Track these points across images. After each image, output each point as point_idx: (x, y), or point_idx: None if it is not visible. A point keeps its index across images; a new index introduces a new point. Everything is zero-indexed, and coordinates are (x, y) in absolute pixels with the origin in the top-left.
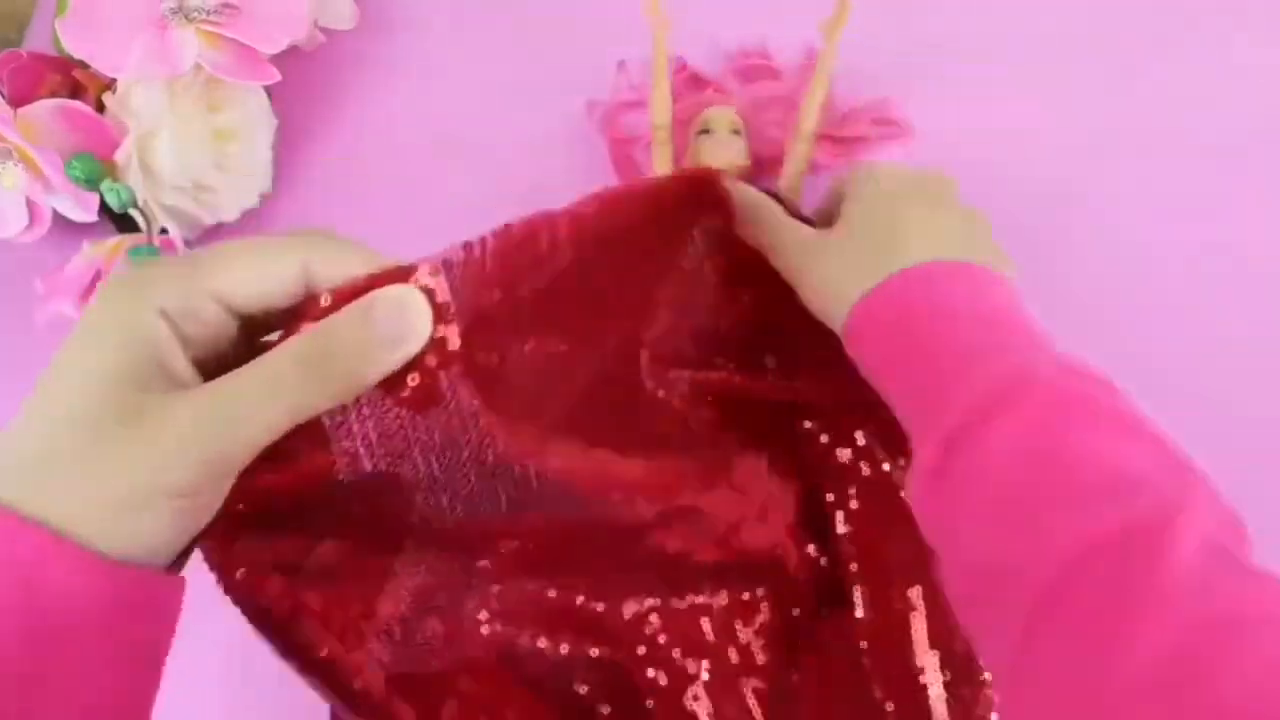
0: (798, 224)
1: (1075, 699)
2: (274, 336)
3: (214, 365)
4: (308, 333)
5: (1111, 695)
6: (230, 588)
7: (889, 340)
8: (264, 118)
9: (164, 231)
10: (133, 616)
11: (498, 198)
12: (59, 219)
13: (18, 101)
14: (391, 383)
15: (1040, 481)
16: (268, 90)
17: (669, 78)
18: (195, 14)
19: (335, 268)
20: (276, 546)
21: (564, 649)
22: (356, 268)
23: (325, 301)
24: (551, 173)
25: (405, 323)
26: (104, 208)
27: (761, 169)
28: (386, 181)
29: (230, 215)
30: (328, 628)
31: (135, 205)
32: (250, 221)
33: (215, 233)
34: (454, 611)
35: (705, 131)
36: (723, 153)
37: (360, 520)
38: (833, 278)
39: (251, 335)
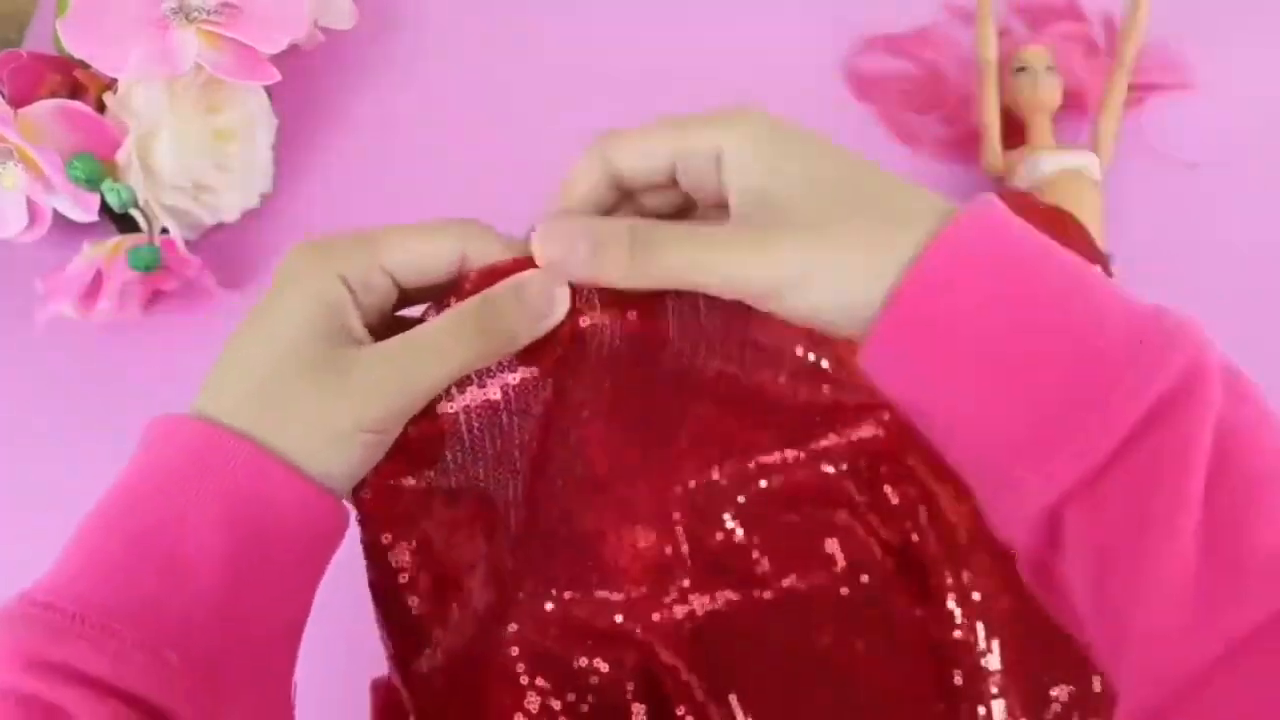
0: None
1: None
2: (412, 311)
3: (376, 330)
4: (475, 300)
5: None
6: (359, 505)
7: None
8: (264, 118)
9: (164, 231)
10: (326, 540)
11: (498, 198)
12: (59, 219)
13: (18, 101)
14: (530, 350)
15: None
16: (268, 90)
17: (992, 15)
18: (195, 14)
19: (485, 252)
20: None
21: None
22: (503, 253)
23: (473, 280)
24: (552, 173)
25: (550, 299)
26: (104, 208)
27: (1068, 105)
28: (386, 181)
29: (230, 215)
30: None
31: (136, 205)
32: (250, 221)
33: (216, 233)
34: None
35: (1022, 69)
36: (1043, 90)
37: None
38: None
39: (403, 306)
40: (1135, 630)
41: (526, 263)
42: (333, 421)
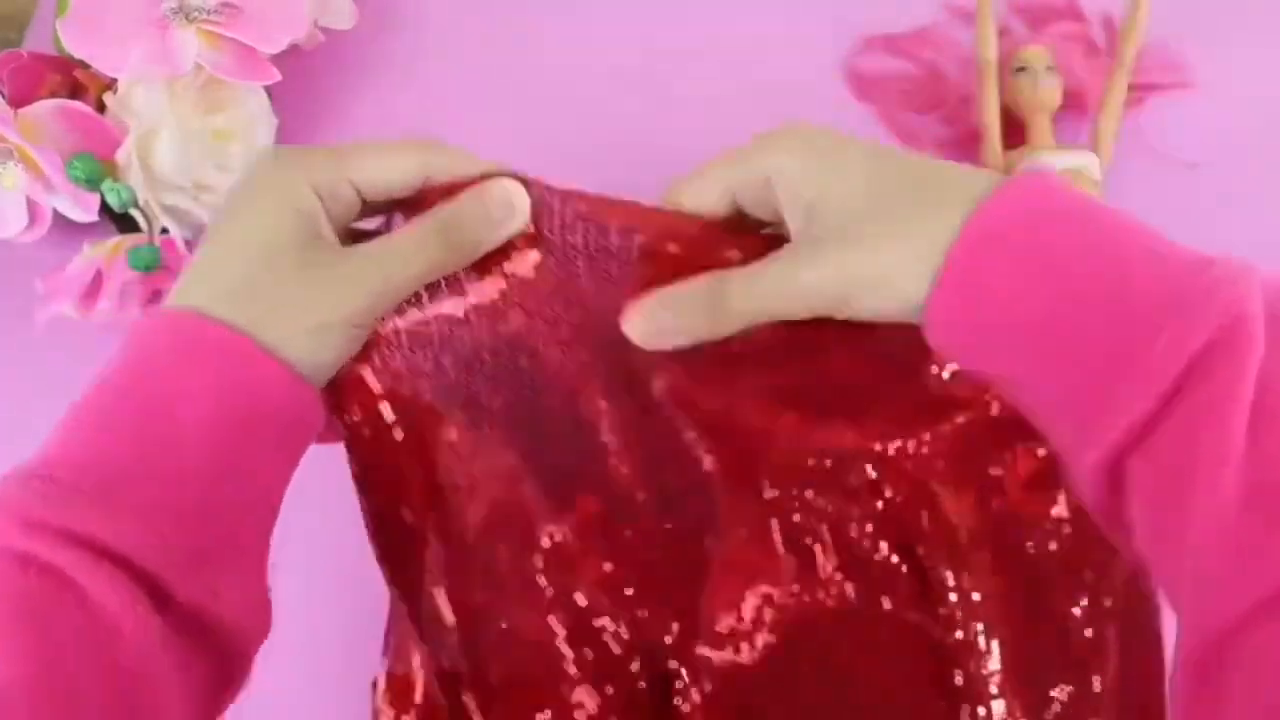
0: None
1: None
2: (366, 223)
3: (340, 239)
4: (441, 207)
5: None
6: (347, 427)
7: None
8: (264, 118)
9: (165, 231)
10: (305, 426)
11: None
12: (59, 219)
13: (18, 101)
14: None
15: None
16: (268, 90)
17: (992, 15)
18: (195, 14)
19: (448, 167)
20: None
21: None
22: (464, 169)
23: (439, 193)
24: (551, 173)
25: (510, 205)
26: (104, 208)
27: (1068, 105)
28: None
29: None
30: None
31: (136, 205)
32: None
33: None
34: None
35: (1021, 69)
36: (1043, 90)
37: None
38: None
39: (363, 219)
40: (1185, 579)
41: (488, 177)
42: (315, 313)
